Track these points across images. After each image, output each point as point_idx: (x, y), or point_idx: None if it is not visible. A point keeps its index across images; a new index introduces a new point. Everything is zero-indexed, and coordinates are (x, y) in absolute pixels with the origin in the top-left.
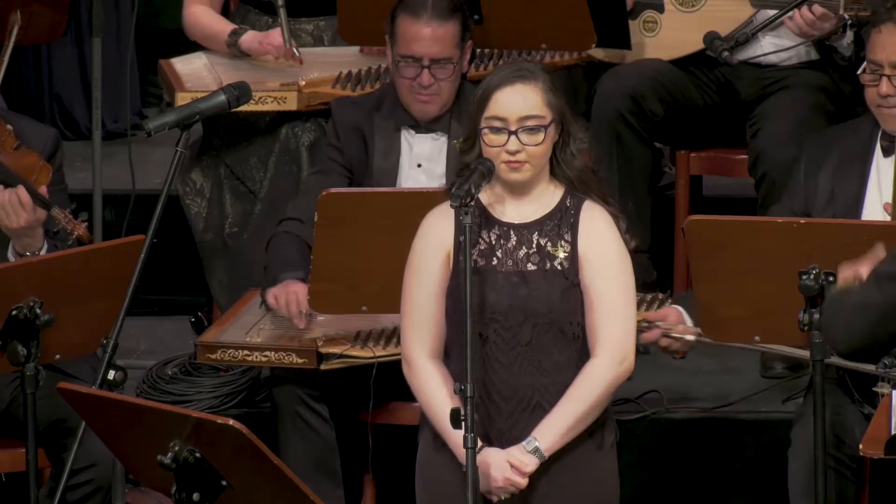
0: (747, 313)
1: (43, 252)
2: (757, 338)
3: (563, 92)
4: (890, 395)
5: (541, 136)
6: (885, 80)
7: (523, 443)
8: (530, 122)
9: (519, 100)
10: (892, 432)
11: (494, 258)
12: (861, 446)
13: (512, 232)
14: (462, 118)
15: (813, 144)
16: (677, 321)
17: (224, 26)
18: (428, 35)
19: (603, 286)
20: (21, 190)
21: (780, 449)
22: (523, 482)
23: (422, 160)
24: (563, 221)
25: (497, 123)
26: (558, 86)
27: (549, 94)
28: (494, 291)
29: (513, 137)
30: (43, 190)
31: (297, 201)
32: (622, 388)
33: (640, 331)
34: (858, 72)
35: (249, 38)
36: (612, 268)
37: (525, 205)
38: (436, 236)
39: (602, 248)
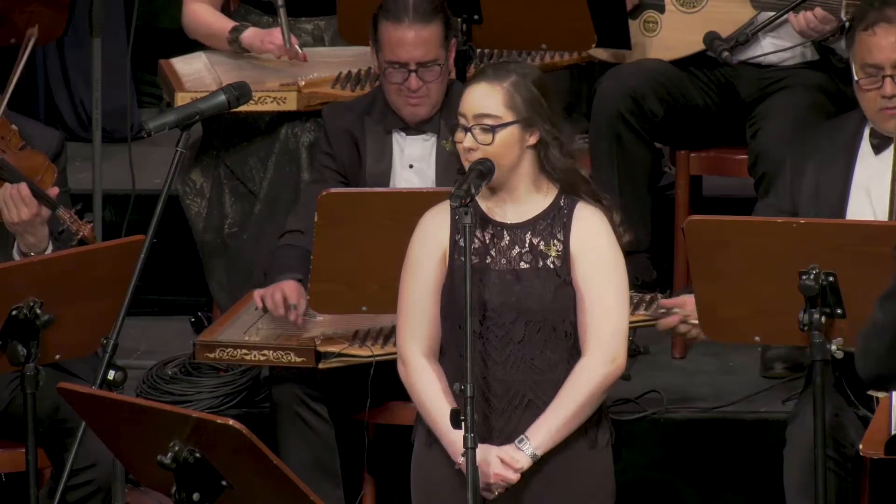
0: (747, 313)
1: (48, 253)
2: (757, 338)
3: (550, 94)
4: (890, 396)
5: (489, 137)
6: (888, 80)
7: (515, 441)
8: (485, 121)
9: (477, 98)
10: (892, 432)
11: (488, 256)
12: (861, 446)
13: (505, 231)
14: (451, 117)
15: (798, 143)
16: (695, 308)
17: (225, 23)
18: (412, 39)
19: (594, 285)
20: (22, 185)
21: (780, 449)
22: (514, 478)
23: (413, 161)
24: (555, 221)
25: (461, 120)
26: (541, 89)
27: (514, 96)
28: (488, 289)
29: (468, 134)
30: (54, 191)
31: (297, 212)
32: (622, 388)
33: (657, 317)
34: (855, 79)
35: (251, 34)
36: (605, 267)
37: (518, 205)
38: (432, 235)
39: (594, 247)
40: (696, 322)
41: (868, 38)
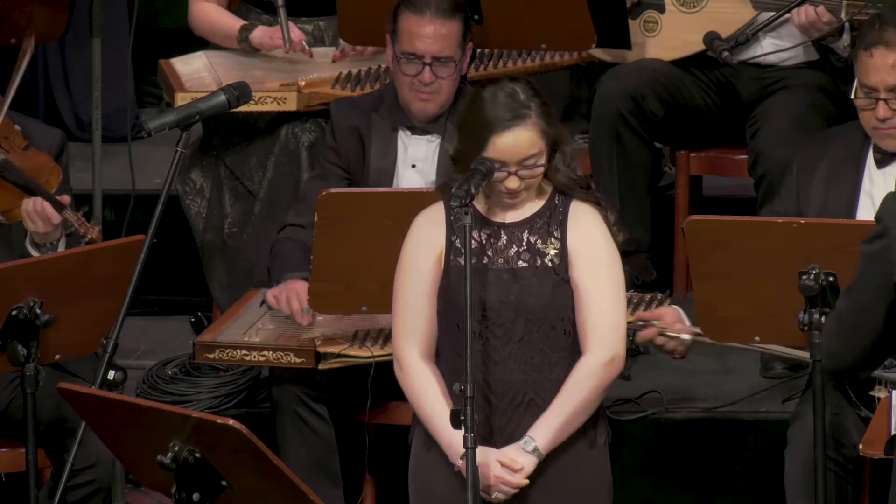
0: (747, 313)
1: (61, 244)
2: (757, 338)
3: (544, 95)
4: (890, 396)
5: (540, 170)
6: (881, 104)
7: (520, 442)
8: (529, 161)
9: (517, 143)
10: (892, 432)
11: (485, 256)
12: (861, 446)
13: (502, 231)
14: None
15: (804, 151)
16: (675, 320)
17: (233, 22)
18: (431, 32)
19: (592, 283)
20: (46, 203)
21: (780, 449)
22: (515, 480)
23: (416, 161)
24: (552, 219)
25: (497, 165)
26: (540, 95)
27: (541, 123)
28: (486, 288)
29: (513, 177)
30: (66, 199)
31: (297, 207)
32: (622, 388)
33: (635, 329)
34: (851, 95)
35: (259, 33)
36: (602, 264)
37: (514, 205)
38: (427, 237)
39: (591, 245)
40: (674, 334)
41: (866, 59)
